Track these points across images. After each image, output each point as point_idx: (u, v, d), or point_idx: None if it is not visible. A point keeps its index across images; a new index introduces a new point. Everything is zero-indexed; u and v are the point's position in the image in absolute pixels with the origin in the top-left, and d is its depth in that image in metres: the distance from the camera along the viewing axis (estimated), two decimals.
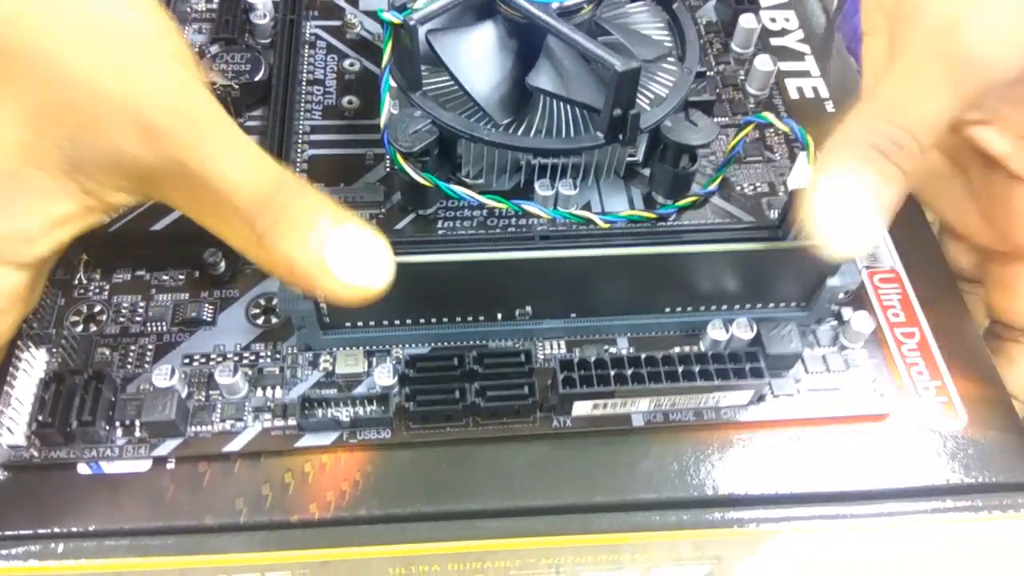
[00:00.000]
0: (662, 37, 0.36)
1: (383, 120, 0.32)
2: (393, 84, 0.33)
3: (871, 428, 0.30)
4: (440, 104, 0.32)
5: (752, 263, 0.29)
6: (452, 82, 0.33)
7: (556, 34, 0.31)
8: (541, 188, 0.34)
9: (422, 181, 0.32)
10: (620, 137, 0.31)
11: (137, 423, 0.28)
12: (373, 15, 0.41)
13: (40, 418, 0.27)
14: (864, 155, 0.26)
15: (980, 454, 0.30)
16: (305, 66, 0.39)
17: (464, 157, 0.34)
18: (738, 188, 0.36)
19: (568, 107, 0.32)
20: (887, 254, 0.35)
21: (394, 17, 0.30)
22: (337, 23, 0.41)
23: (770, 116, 0.35)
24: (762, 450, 0.30)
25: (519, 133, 0.32)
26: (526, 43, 0.33)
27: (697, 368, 0.28)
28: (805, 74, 0.41)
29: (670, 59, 0.35)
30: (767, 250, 0.29)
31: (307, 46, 0.40)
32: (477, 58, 0.32)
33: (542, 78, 0.31)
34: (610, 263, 0.29)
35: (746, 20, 0.40)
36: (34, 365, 0.29)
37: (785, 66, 0.41)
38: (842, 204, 0.26)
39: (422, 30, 0.31)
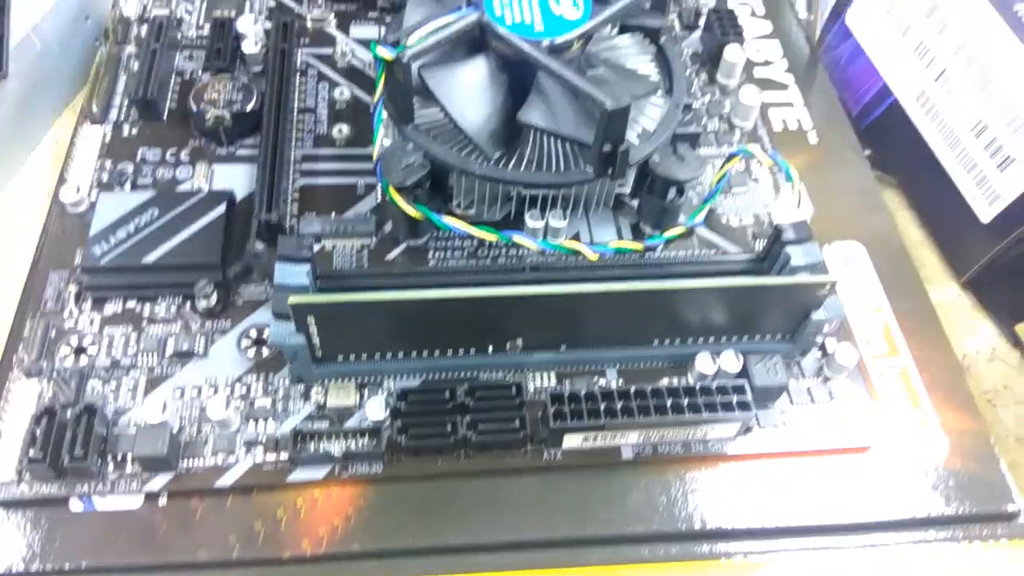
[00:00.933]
0: (649, 70, 0.36)
1: (376, 153, 0.32)
2: (385, 116, 0.33)
3: (854, 460, 0.31)
4: (432, 137, 0.33)
5: (738, 298, 0.30)
6: (443, 114, 0.33)
7: (547, 71, 0.31)
8: (531, 219, 0.34)
9: (414, 213, 0.32)
10: (609, 172, 0.32)
11: (129, 457, 0.28)
12: (364, 44, 0.42)
13: (31, 453, 0.27)
14: None
15: (960, 485, 0.30)
16: (296, 94, 0.39)
17: (455, 189, 0.34)
18: (724, 219, 0.37)
19: (558, 141, 0.33)
20: (871, 287, 0.35)
21: (387, 53, 0.31)
22: (328, 51, 0.41)
23: (755, 149, 0.35)
24: (749, 482, 0.30)
25: (510, 166, 0.33)
26: (516, 77, 0.33)
27: (686, 401, 0.29)
28: (789, 105, 0.42)
29: (658, 92, 0.36)
30: (753, 286, 0.30)
31: (298, 74, 0.40)
32: (468, 92, 0.33)
33: (533, 114, 0.32)
34: (599, 299, 0.29)
35: (731, 52, 0.41)
36: (25, 399, 0.29)
37: (769, 97, 0.42)
38: None
39: (414, 65, 0.32)
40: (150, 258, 0.32)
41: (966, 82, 0.39)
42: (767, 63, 0.44)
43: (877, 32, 0.44)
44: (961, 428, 0.32)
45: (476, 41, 0.33)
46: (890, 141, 0.44)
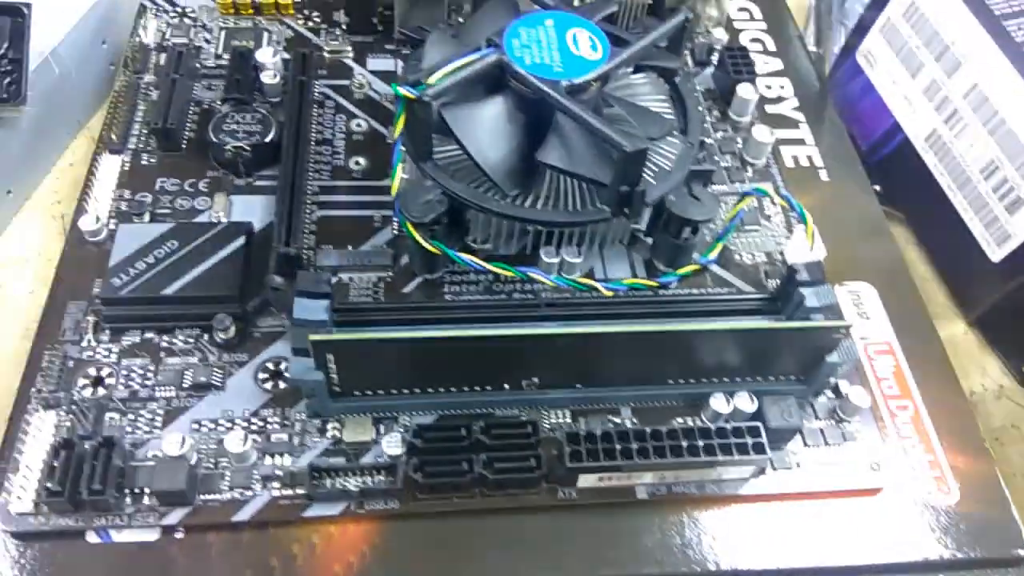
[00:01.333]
0: (664, 108, 0.37)
1: (395, 189, 0.32)
2: (403, 149, 0.33)
3: (866, 502, 0.31)
4: (450, 174, 0.33)
5: (754, 340, 0.30)
6: (461, 151, 0.33)
7: (566, 112, 0.31)
8: (546, 255, 0.34)
9: (432, 250, 0.33)
10: (626, 211, 0.32)
11: (147, 491, 0.28)
12: (381, 76, 0.42)
13: (49, 486, 0.27)
14: None
15: (972, 529, 0.31)
16: (314, 126, 0.39)
17: (472, 224, 0.34)
18: (737, 257, 0.37)
19: (575, 180, 0.33)
20: (882, 328, 0.36)
21: (409, 92, 0.31)
22: (345, 83, 0.42)
23: (768, 189, 0.36)
24: (762, 524, 0.30)
25: (527, 203, 0.33)
26: (534, 116, 0.33)
27: (701, 443, 0.29)
28: (800, 142, 0.43)
29: (673, 132, 0.36)
30: (769, 329, 0.30)
31: (316, 106, 0.40)
32: (487, 130, 0.33)
33: (551, 154, 0.32)
34: (614, 339, 0.30)
35: (744, 90, 0.41)
36: (43, 429, 0.29)
37: (781, 134, 0.42)
38: None
39: (434, 103, 0.32)
40: (169, 290, 0.32)
41: (977, 124, 0.39)
42: (779, 99, 0.44)
43: (888, 71, 0.44)
44: (972, 472, 0.32)
45: (495, 80, 0.33)
46: (899, 177, 0.45)
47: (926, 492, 0.31)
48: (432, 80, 0.31)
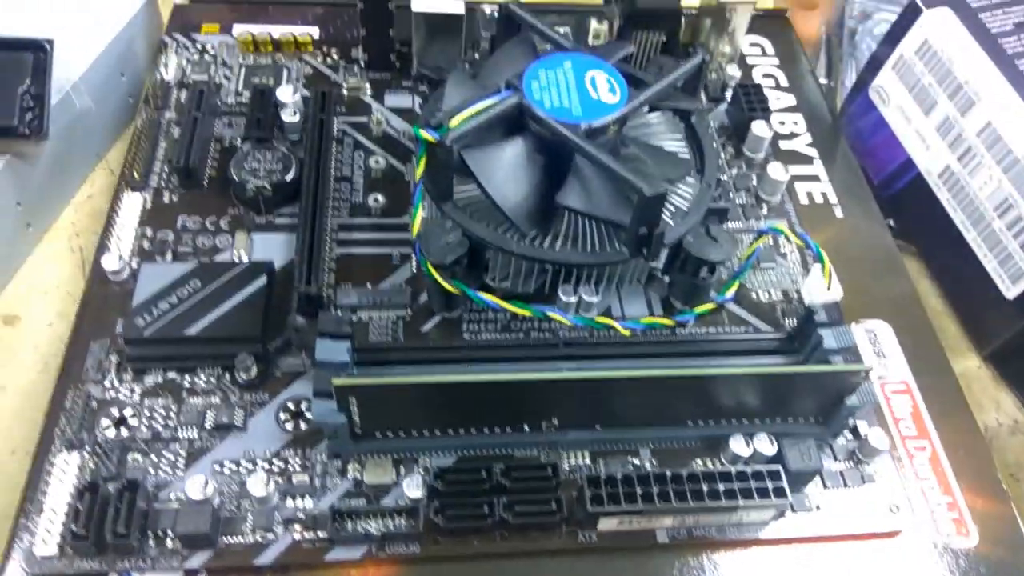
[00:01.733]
0: (680, 147, 0.37)
1: (415, 230, 0.33)
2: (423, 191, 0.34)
3: (885, 544, 0.31)
4: (469, 214, 0.33)
5: (773, 383, 0.30)
6: (481, 191, 0.34)
7: (585, 156, 0.32)
8: (564, 294, 0.35)
9: (452, 290, 0.33)
10: (644, 252, 0.33)
11: (170, 534, 0.28)
12: (399, 112, 0.43)
13: (74, 529, 0.27)
14: None
15: (990, 573, 0.31)
16: (333, 163, 0.40)
17: (491, 264, 0.35)
18: (753, 295, 0.37)
19: (594, 221, 0.33)
20: (898, 367, 0.36)
21: (431, 136, 0.31)
22: (363, 119, 0.42)
23: (784, 228, 0.36)
24: (782, 567, 0.30)
25: (546, 243, 0.33)
26: (553, 157, 0.34)
27: (722, 487, 0.29)
28: (814, 178, 0.43)
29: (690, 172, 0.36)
30: (787, 374, 0.30)
31: (335, 143, 0.41)
32: (506, 172, 0.33)
33: (571, 197, 0.32)
34: (633, 382, 0.30)
35: (758, 128, 0.42)
36: (67, 471, 0.30)
37: (795, 170, 0.43)
38: None
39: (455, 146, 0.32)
40: (192, 330, 0.32)
41: (991, 162, 0.40)
42: (792, 136, 0.45)
43: (901, 107, 0.44)
44: (990, 513, 0.32)
45: (514, 121, 0.34)
46: (913, 212, 0.45)
47: (945, 535, 0.31)
48: (453, 123, 0.32)
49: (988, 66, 0.40)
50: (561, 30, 0.47)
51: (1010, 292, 0.40)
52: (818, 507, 0.31)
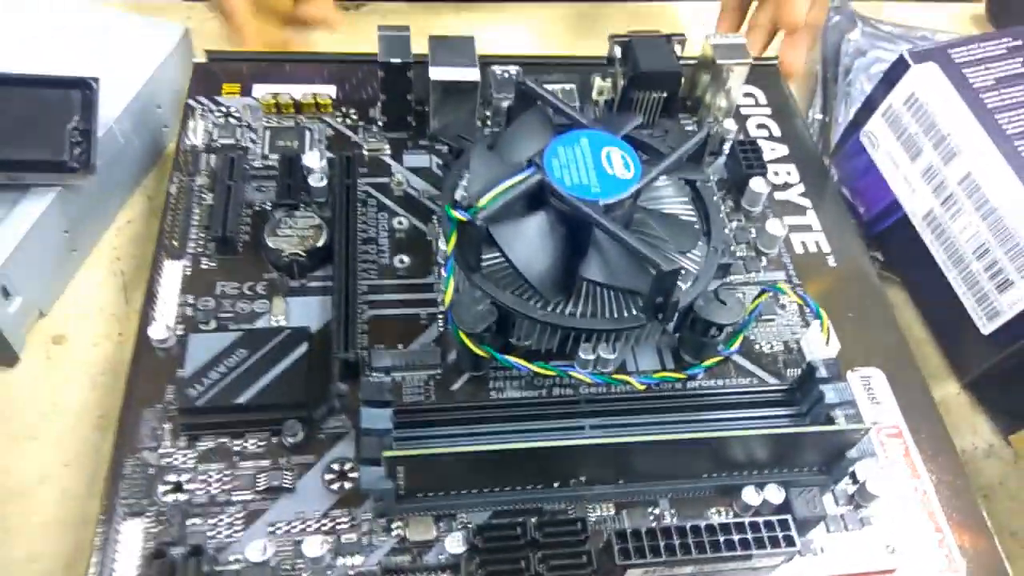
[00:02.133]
0: (687, 211, 0.40)
1: (448, 300, 0.35)
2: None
3: None
4: (496, 282, 0.36)
5: (781, 442, 0.33)
6: (505, 260, 0.36)
7: (606, 232, 0.34)
8: (583, 352, 0.37)
9: (483, 354, 0.35)
10: (659, 317, 0.35)
11: None
12: (418, 172, 0.45)
13: None
14: None
15: None
16: (359, 225, 0.42)
17: (517, 327, 0.37)
18: (756, 347, 0.40)
19: (613, 290, 0.36)
20: (891, 412, 0.39)
21: (461, 215, 0.34)
22: (385, 180, 0.44)
23: (785, 287, 0.39)
24: None
25: (567, 309, 0.36)
26: (573, 228, 0.36)
27: (736, 538, 0.32)
28: (807, 228, 0.46)
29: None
30: (795, 434, 0.33)
31: (360, 204, 0.43)
32: (530, 243, 0.36)
33: (592, 269, 0.35)
34: (652, 445, 0.33)
35: (756, 184, 0.45)
36: (131, 538, 0.32)
37: (789, 220, 0.46)
38: None
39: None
40: (242, 399, 0.34)
41: (970, 208, 0.43)
42: (786, 186, 0.48)
43: (889, 152, 0.47)
44: (976, 549, 0.35)
45: (536, 196, 0.36)
46: (899, 248, 0.48)
47: (936, 571, 0.35)
48: (482, 203, 0.34)
49: (969, 119, 0.43)
50: (568, 87, 0.50)
51: (986, 328, 0.43)
52: (822, 549, 0.34)
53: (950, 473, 0.37)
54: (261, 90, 0.48)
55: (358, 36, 0.57)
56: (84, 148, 0.39)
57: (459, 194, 0.39)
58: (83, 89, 0.39)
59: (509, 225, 0.36)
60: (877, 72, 0.56)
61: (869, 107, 0.49)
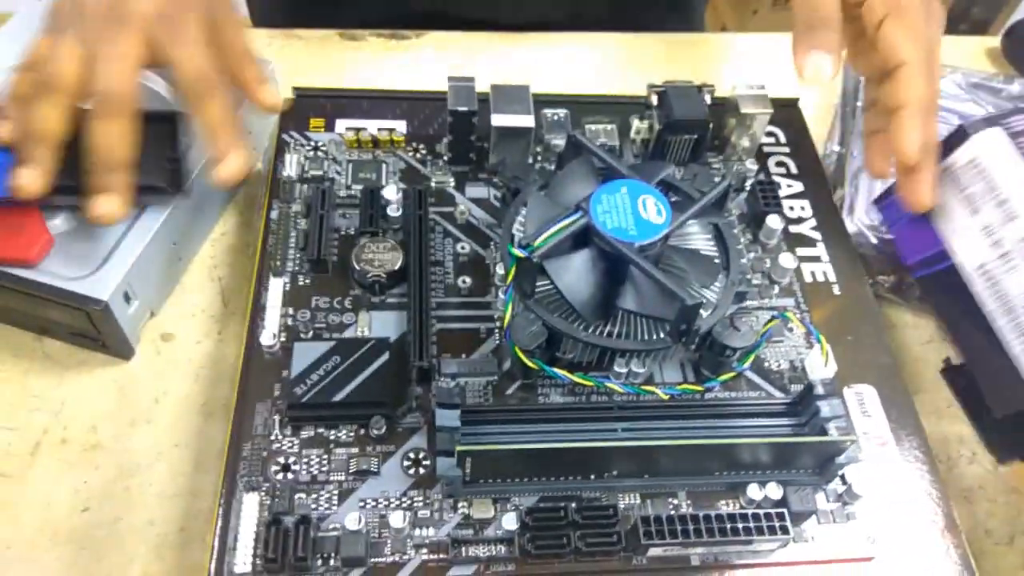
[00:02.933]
0: (709, 247, 0.47)
1: (506, 322, 0.43)
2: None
3: (863, 567, 0.41)
4: (547, 307, 0.43)
5: (781, 448, 0.40)
6: (555, 290, 0.43)
7: (640, 269, 0.41)
8: (618, 367, 0.44)
9: (534, 367, 0.43)
10: (683, 340, 0.42)
11: (333, 556, 0.38)
12: (478, 203, 0.52)
13: (266, 554, 0.37)
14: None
15: None
16: (428, 250, 0.49)
17: (563, 344, 0.44)
18: (766, 364, 0.47)
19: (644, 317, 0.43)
20: (880, 425, 0.46)
21: (521, 253, 0.41)
22: (450, 209, 0.52)
23: (792, 315, 0.46)
24: None
25: (606, 331, 0.43)
26: (612, 264, 0.43)
27: (741, 525, 0.39)
28: (816, 259, 0.52)
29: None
30: (793, 443, 0.40)
31: (430, 231, 0.50)
32: (576, 275, 0.43)
33: (628, 300, 0.42)
34: (673, 447, 0.40)
35: (772, 220, 0.51)
36: (248, 508, 0.40)
37: (801, 251, 0.52)
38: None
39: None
40: (337, 397, 0.42)
41: None
42: (800, 220, 0.54)
43: (945, 204, 0.50)
44: (949, 545, 0.42)
45: (582, 235, 0.43)
46: (943, 292, 0.50)
47: (910, 559, 0.41)
48: (537, 243, 0.42)
49: None
50: (609, 127, 0.57)
51: None
52: (812, 538, 0.41)
53: (929, 476, 0.44)
54: (342, 125, 0.55)
55: (420, 65, 0.65)
56: (175, 174, 0.46)
57: (516, 230, 0.46)
58: (173, 123, 0.46)
59: (559, 260, 0.43)
60: None
61: None
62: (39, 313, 0.46)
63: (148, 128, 0.44)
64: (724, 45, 0.73)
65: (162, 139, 0.46)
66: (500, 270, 0.49)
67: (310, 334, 0.46)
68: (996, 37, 0.75)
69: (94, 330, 0.45)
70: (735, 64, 0.70)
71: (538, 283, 0.44)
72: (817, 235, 0.54)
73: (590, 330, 0.43)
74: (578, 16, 0.71)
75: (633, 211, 0.43)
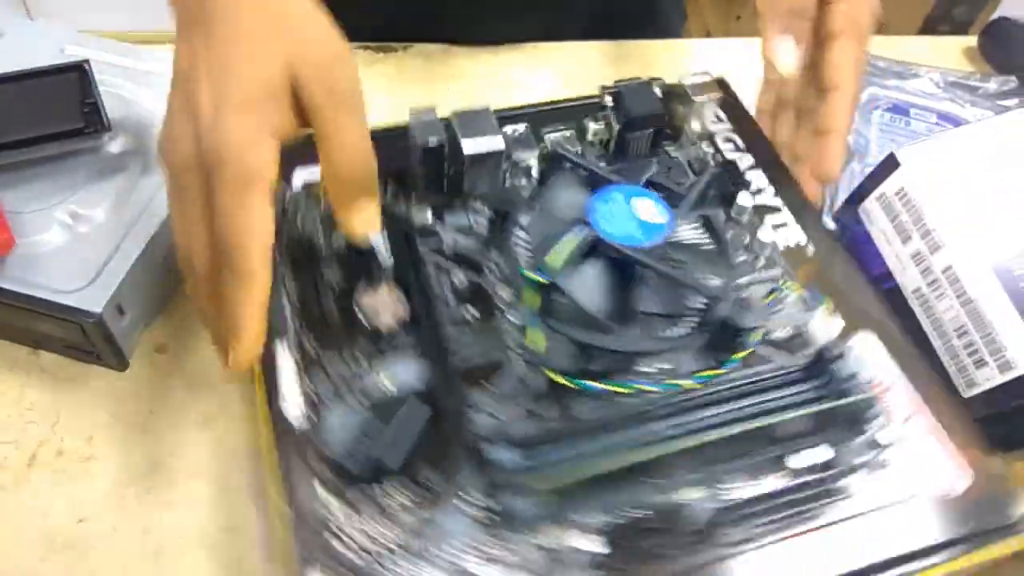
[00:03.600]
0: (703, 239, 0.48)
1: (543, 349, 0.43)
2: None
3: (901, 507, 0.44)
4: (570, 324, 0.44)
5: (822, 414, 0.43)
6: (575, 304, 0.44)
7: (659, 273, 0.43)
8: (645, 366, 0.45)
9: (570, 386, 0.43)
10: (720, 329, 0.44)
11: None
12: (461, 231, 0.52)
13: None
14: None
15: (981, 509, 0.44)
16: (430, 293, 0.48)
17: (596, 357, 0.45)
18: (773, 335, 0.49)
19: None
20: (887, 365, 0.48)
21: (541, 278, 0.42)
22: (436, 244, 0.51)
23: (793, 284, 0.48)
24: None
25: (631, 334, 0.44)
26: (621, 268, 0.44)
27: (801, 495, 0.41)
28: (784, 225, 0.55)
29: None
30: (833, 407, 0.43)
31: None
32: (591, 287, 0.44)
33: (646, 302, 0.43)
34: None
35: (743, 198, 0.53)
36: None
37: (770, 219, 0.54)
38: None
39: None
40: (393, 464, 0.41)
41: (953, 294, 0.50)
42: (758, 191, 0.56)
43: (884, 230, 0.54)
44: (983, 463, 0.44)
45: (589, 247, 0.44)
46: (898, 308, 0.53)
47: (948, 482, 0.44)
48: (552, 264, 0.42)
49: (953, 215, 0.48)
50: (567, 133, 0.57)
51: (965, 393, 0.51)
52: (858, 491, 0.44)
53: (947, 405, 0.47)
54: (300, 176, 0.53)
55: (404, 75, 0.65)
56: (96, 115, 0.47)
57: (520, 253, 0.46)
58: (80, 71, 0.48)
59: (570, 275, 0.44)
60: (870, 105, 0.62)
61: (865, 189, 0.56)
62: (33, 327, 0.46)
63: (54, 80, 0.47)
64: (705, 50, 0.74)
65: (72, 87, 0.48)
66: (503, 293, 0.49)
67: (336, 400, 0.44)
68: (974, 37, 0.76)
69: (88, 343, 0.45)
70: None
71: (556, 300, 0.44)
72: (779, 201, 0.56)
73: (617, 339, 0.44)
74: (558, 33, 0.72)
75: (632, 215, 0.44)
